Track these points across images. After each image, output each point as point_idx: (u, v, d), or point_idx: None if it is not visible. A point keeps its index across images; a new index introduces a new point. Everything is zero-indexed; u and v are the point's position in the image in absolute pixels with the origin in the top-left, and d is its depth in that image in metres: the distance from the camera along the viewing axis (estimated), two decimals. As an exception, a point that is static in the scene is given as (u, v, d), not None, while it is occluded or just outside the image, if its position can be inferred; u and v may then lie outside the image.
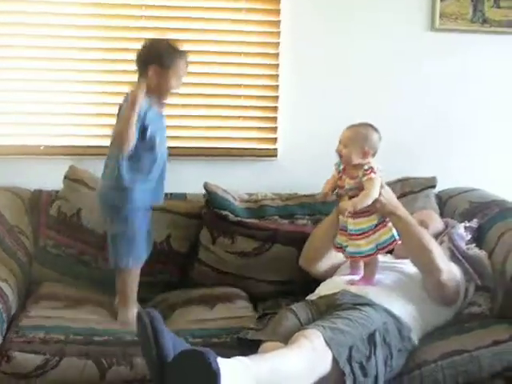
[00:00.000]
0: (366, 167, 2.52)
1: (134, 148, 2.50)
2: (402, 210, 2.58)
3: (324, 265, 2.84)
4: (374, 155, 2.58)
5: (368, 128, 2.60)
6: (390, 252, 2.81)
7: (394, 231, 2.55)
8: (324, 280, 2.80)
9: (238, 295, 2.90)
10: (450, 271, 2.62)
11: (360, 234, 2.56)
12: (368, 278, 2.63)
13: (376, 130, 2.60)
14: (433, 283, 2.59)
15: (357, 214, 2.54)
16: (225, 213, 2.99)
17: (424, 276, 2.61)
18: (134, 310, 2.64)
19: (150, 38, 2.73)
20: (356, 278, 2.66)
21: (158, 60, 2.57)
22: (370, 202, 2.51)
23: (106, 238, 2.73)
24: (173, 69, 2.59)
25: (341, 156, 2.58)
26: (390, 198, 2.58)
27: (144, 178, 2.59)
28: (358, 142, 2.56)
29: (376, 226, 2.55)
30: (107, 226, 2.68)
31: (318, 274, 2.84)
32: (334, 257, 2.82)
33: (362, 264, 2.67)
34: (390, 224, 2.56)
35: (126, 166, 2.55)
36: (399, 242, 2.56)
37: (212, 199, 3.01)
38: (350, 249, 2.60)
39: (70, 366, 2.32)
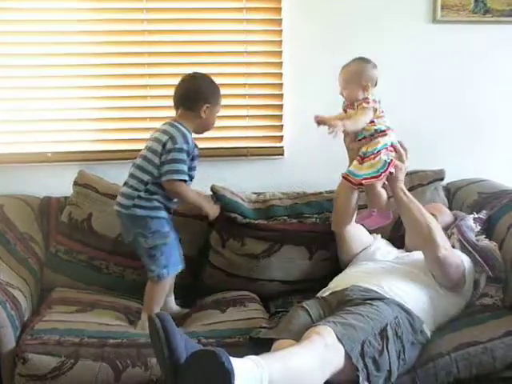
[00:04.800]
0: (359, 97, 2.56)
1: None
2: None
3: (355, 240, 2.87)
4: (375, 85, 2.61)
5: (359, 62, 2.63)
6: (401, 246, 2.81)
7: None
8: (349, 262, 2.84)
9: (250, 298, 2.90)
10: (449, 249, 2.63)
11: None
12: (381, 213, 2.64)
13: (367, 61, 2.63)
14: (432, 259, 2.60)
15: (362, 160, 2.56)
16: (233, 215, 2.99)
17: (424, 254, 2.63)
18: None
19: (190, 75, 2.76)
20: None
21: (209, 99, 2.68)
22: (358, 127, 2.54)
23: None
24: (218, 106, 2.73)
25: (345, 98, 2.61)
26: (403, 177, 2.62)
27: None
28: (353, 80, 2.59)
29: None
30: (138, 243, 2.67)
31: (349, 249, 2.87)
32: (359, 237, 2.87)
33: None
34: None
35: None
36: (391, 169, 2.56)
37: (220, 202, 2.99)
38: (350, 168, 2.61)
39: (85, 368, 2.32)
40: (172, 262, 2.68)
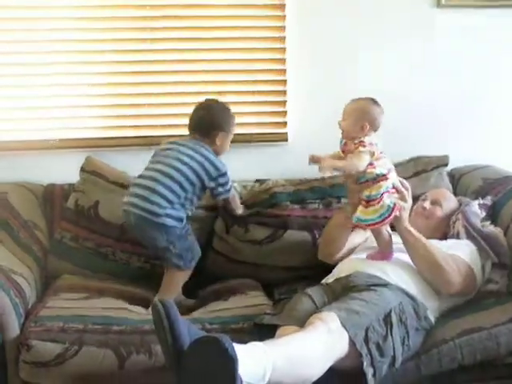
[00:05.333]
0: (356, 140, 2.52)
1: None
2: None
3: (342, 253, 2.82)
4: (374, 130, 2.56)
5: (368, 102, 2.58)
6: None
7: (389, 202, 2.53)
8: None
9: (251, 286, 2.90)
10: (462, 274, 2.59)
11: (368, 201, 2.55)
12: (384, 253, 2.63)
13: (377, 104, 2.58)
14: (447, 294, 2.59)
15: (367, 203, 2.54)
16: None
17: (437, 288, 2.59)
18: None
19: (205, 103, 2.85)
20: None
21: (223, 127, 2.79)
22: (350, 171, 2.51)
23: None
24: (232, 133, 2.84)
25: (342, 130, 2.58)
26: (406, 215, 2.59)
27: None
28: (356, 115, 2.54)
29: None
30: (157, 244, 2.71)
31: (337, 261, 2.81)
32: (351, 241, 2.82)
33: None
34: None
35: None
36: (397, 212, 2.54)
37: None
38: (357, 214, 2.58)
39: (89, 355, 2.33)
40: (196, 252, 2.80)
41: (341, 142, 2.60)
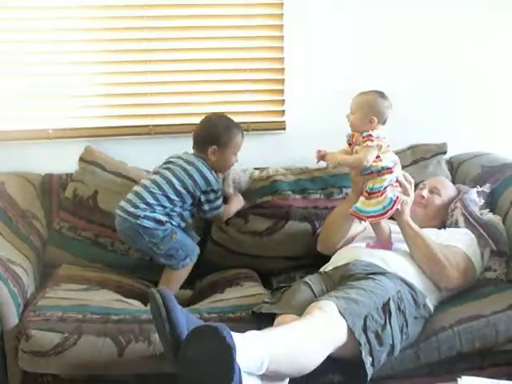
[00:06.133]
0: (364, 134, 2.54)
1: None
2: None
3: (341, 244, 2.83)
4: (383, 123, 2.58)
5: (375, 95, 2.60)
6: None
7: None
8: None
9: (246, 277, 2.90)
10: (461, 268, 2.60)
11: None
12: (383, 244, 2.64)
13: (384, 97, 2.60)
14: (446, 288, 2.60)
15: (369, 195, 2.56)
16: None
17: (436, 281, 2.59)
18: None
19: (205, 118, 2.85)
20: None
21: (216, 141, 2.75)
22: (358, 166, 2.55)
23: None
24: (230, 147, 2.78)
25: (350, 124, 2.60)
26: (408, 209, 2.60)
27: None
28: (363, 108, 2.57)
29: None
30: (151, 250, 2.73)
31: (336, 252, 2.82)
32: (350, 230, 2.82)
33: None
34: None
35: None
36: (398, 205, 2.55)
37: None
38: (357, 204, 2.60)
39: (88, 343, 2.33)
40: (190, 251, 2.78)
41: (348, 135, 2.62)
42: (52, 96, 3.26)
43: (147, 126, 3.30)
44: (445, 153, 3.25)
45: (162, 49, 3.29)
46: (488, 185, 2.97)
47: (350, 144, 2.63)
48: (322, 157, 2.63)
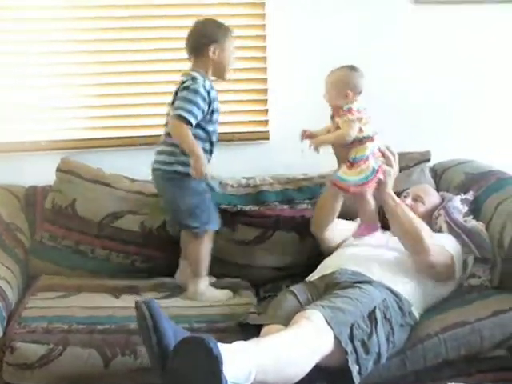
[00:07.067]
0: (344, 108, 2.54)
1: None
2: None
3: (335, 236, 2.85)
4: (359, 94, 2.58)
5: (345, 70, 2.61)
6: (388, 229, 2.81)
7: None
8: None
9: (239, 285, 2.89)
10: (440, 251, 2.62)
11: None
12: (368, 225, 2.64)
13: (355, 69, 2.61)
14: (422, 263, 2.59)
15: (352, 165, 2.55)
16: (223, 207, 2.96)
17: (413, 257, 2.61)
18: (205, 280, 2.74)
19: (196, 22, 2.75)
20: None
21: (215, 39, 2.66)
22: (342, 141, 2.54)
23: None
24: (228, 44, 2.70)
25: (328, 103, 2.60)
26: (391, 181, 2.61)
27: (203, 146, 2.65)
28: (337, 86, 2.57)
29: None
30: (176, 202, 2.68)
31: (330, 245, 2.84)
32: (345, 230, 2.84)
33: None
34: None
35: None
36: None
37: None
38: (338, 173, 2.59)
39: (73, 355, 2.32)
40: (213, 219, 2.73)
41: (331, 116, 2.62)
42: (36, 108, 3.25)
43: (126, 137, 3.30)
44: (428, 160, 3.26)
45: (142, 60, 3.29)
46: (471, 192, 2.99)
47: (332, 117, 2.62)
48: (307, 136, 2.61)
